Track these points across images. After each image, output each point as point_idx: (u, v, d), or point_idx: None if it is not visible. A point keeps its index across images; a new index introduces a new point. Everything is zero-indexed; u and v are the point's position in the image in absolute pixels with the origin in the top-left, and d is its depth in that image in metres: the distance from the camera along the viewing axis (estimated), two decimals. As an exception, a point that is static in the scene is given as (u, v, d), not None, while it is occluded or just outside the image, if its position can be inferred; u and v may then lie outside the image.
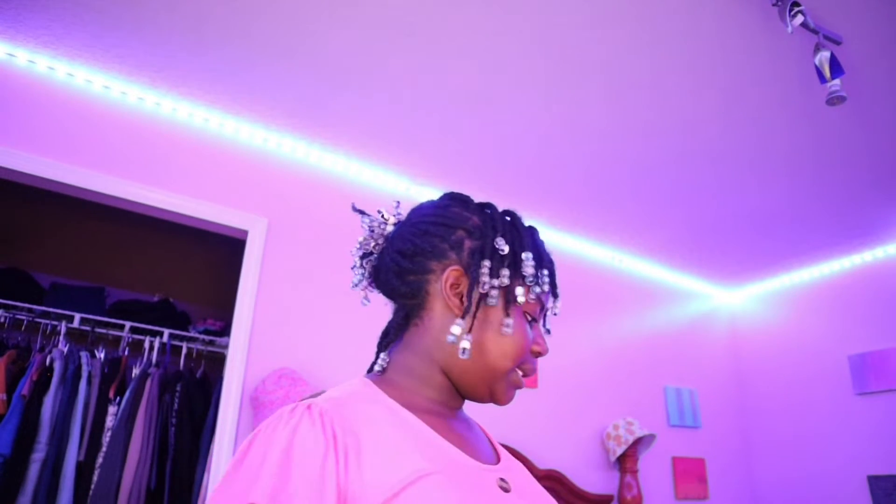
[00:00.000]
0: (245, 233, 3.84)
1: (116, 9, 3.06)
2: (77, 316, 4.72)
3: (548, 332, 1.30)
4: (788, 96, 3.54)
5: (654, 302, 5.85)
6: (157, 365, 4.66)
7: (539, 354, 1.24)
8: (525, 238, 1.24)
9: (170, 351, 4.88)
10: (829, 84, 2.87)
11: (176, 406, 4.52)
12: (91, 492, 3.99)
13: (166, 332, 4.94)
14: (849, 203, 4.65)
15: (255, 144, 4.02)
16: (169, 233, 5.09)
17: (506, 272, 1.17)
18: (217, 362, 4.93)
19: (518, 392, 1.25)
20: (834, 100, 2.86)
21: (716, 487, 5.53)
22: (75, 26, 3.19)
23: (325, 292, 3.98)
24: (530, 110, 3.71)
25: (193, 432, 4.51)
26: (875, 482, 4.99)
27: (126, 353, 4.71)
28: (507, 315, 1.17)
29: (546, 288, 1.22)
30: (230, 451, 3.45)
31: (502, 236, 1.21)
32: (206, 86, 3.61)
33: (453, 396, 1.22)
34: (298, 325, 3.86)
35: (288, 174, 4.10)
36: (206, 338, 5.14)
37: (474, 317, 1.16)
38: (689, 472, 5.39)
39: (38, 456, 3.88)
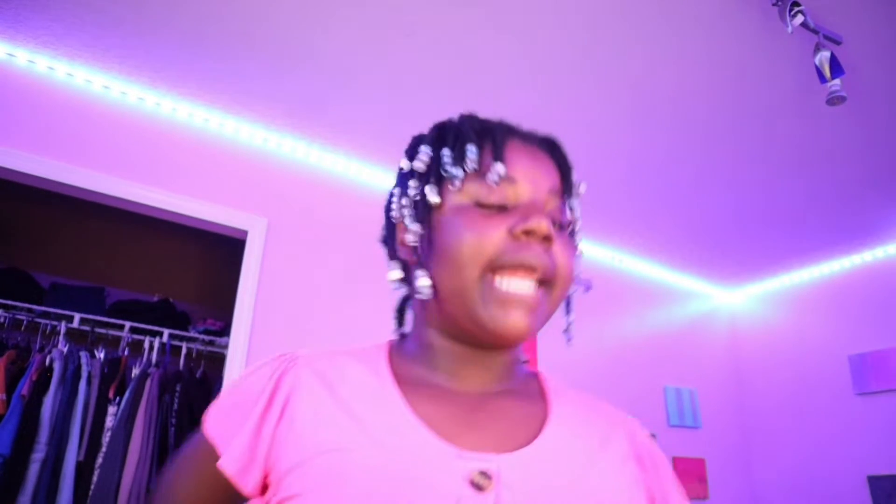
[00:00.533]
0: (245, 233, 3.84)
1: (116, 9, 3.06)
2: (77, 316, 4.72)
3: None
4: (788, 96, 3.54)
5: (654, 302, 5.85)
6: (156, 365, 4.66)
7: (530, 233, 0.91)
8: (428, 134, 1.09)
9: (170, 351, 4.88)
10: (829, 84, 2.87)
11: (176, 406, 4.52)
12: (91, 492, 3.98)
13: (166, 332, 4.94)
14: (849, 203, 4.65)
15: (255, 144, 4.02)
16: (169, 233, 5.09)
17: (413, 184, 1.02)
18: (217, 362, 4.93)
19: None
20: (834, 100, 2.86)
21: (716, 487, 5.53)
22: (75, 26, 3.19)
23: (324, 292, 3.98)
24: (529, 110, 3.70)
25: (193, 432, 4.49)
26: (875, 482, 4.99)
27: (126, 353, 4.71)
28: (425, 227, 0.98)
29: (470, 160, 0.97)
30: (230, 451, 3.44)
31: (406, 154, 1.10)
32: (206, 86, 3.61)
33: (461, 358, 1.00)
34: (298, 324, 3.85)
35: (288, 174, 4.10)
36: (206, 338, 5.14)
37: (414, 253, 1.01)
38: (689, 473, 5.38)
39: (37, 456, 3.87)
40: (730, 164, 4.20)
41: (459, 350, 1.00)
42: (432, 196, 0.98)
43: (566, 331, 1.08)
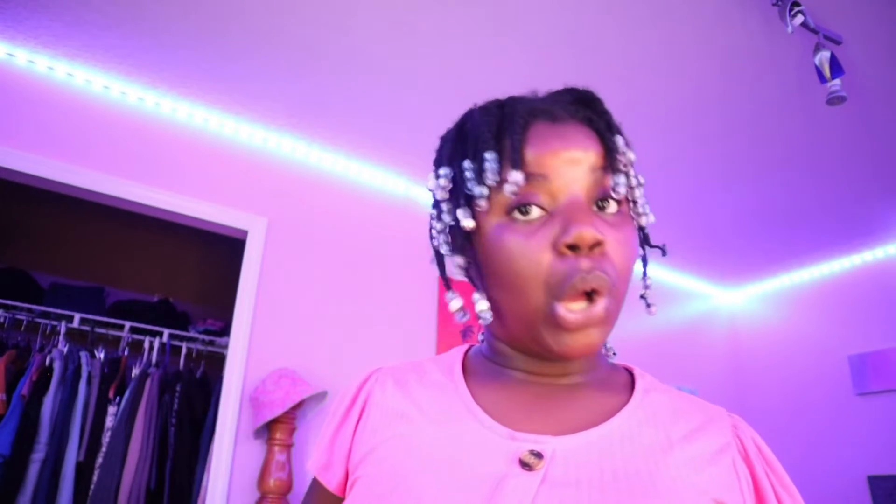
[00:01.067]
0: (245, 233, 3.84)
1: (116, 9, 3.06)
2: (77, 316, 4.72)
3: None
4: (788, 96, 3.54)
5: (654, 302, 5.84)
6: (156, 365, 4.66)
7: (574, 246, 0.83)
8: (448, 141, 1.00)
9: (170, 351, 4.89)
10: (829, 84, 2.87)
11: (176, 406, 4.52)
12: (91, 492, 3.99)
13: (166, 332, 4.94)
14: (849, 203, 4.65)
15: (254, 144, 4.02)
16: (169, 233, 5.09)
17: (445, 207, 0.95)
18: (217, 362, 4.93)
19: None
20: (834, 100, 2.86)
21: (716, 487, 5.53)
22: (75, 26, 3.19)
23: (325, 292, 3.98)
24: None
25: (193, 432, 4.50)
26: (875, 482, 4.98)
27: (126, 353, 4.71)
28: (469, 252, 0.95)
29: (488, 169, 0.87)
30: (230, 451, 3.45)
31: (433, 165, 1.01)
32: (206, 86, 3.61)
33: (535, 363, 0.95)
34: (298, 325, 3.85)
35: (288, 174, 4.10)
36: (206, 338, 5.14)
37: (468, 278, 1.00)
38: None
39: (37, 456, 3.88)
40: (729, 165, 4.20)
41: (530, 357, 0.95)
42: (466, 221, 0.90)
43: (643, 297, 1.05)
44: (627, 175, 0.93)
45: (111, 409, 4.29)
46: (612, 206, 0.89)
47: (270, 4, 3.02)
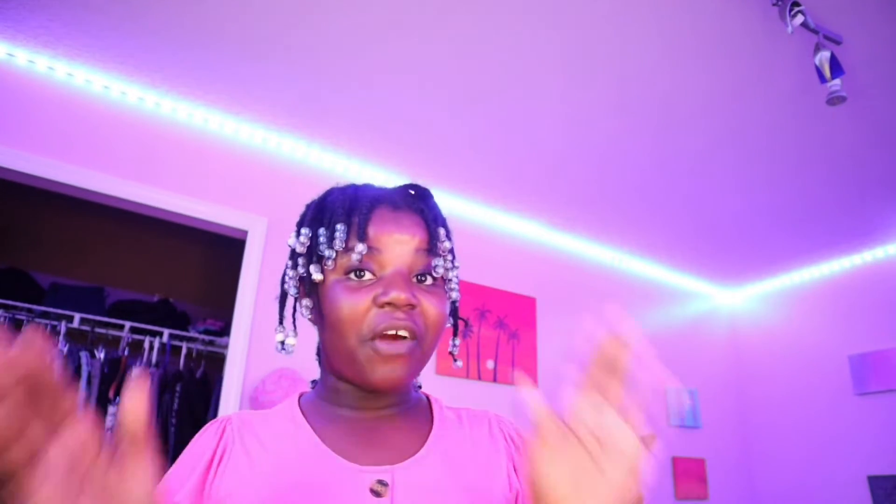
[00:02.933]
0: (245, 233, 3.84)
1: (116, 9, 3.06)
2: (77, 316, 4.72)
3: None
4: (788, 97, 3.54)
5: (654, 302, 5.85)
6: (156, 365, 4.67)
7: (389, 304, 1.04)
8: (309, 212, 1.24)
9: (170, 351, 4.89)
10: (829, 84, 2.87)
11: (176, 406, 4.52)
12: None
13: (166, 332, 4.94)
14: (849, 203, 4.65)
15: (254, 144, 4.02)
16: (169, 233, 5.09)
17: (301, 262, 1.15)
18: (217, 362, 4.92)
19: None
20: (834, 100, 2.86)
21: (716, 487, 5.53)
22: (75, 26, 3.19)
23: (324, 292, 3.97)
24: (532, 111, 3.71)
25: (193, 432, 4.48)
26: (875, 482, 4.99)
27: (126, 353, 4.71)
28: (313, 298, 1.15)
29: (338, 240, 1.09)
30: (230, 451, 3.45)
31: (296, 227, 1.24)
32: (205, 86, 3.61)
33: (360, 396, 1.13)
34: (298, 324, 3.84)
35: (288, 174, 4.10)
36: (206, 338, 5.14)
37: (293, 319, 1.27)
38: (689, 473, 5.39)
39: (37, 456, 3.87)
40: (729, 165, 4.20)
41: (357, 391, 1.13)
42: (316, 274, 1.10)
43: (451, 353, 1.24)
44: (444, 259, 1.15)
45: (111, 409, 4.28)
46: (429, 280, 1.12)
47: (271, 5, 3.02)
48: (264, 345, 3.70)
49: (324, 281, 1.11)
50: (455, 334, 1.28)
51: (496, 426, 1.19)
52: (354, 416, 1.13)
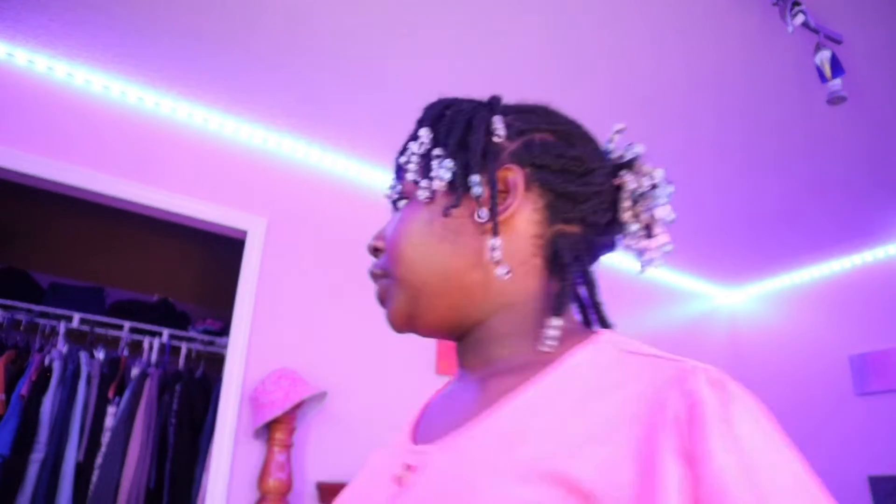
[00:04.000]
0: (244, 233, 3.84)
1: (116, 8, 3.06)
2: (76, 316, 4.72)
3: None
4: (789, 96, 3.53)
5: (654, 302, 5.84)
6: (156, 365, 4.67)
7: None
8: None
9: (169, 351, 4.89)
10: (829, 84, 2.87)
11: (175, 406, 4.52)
12: (90, 492, 3.99)
13: (166, 332, 4.94)
14: (849, 203, 4.64)
15: (254, 144, 4.01)
16: (168, 233, 5.09)
17: None
18: (216, 362, 4.92)
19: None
20: (835, 99, 2.85)
21: (716, 488, 5.53)
22: (75, 26, 3.18)
23: (324, 292, 3.98)
24: (530, 110, 3.71)
25: (193, 432, 4.50)
26: (876, 483, 4.98)
27: (125, 353, 4.72)
28: None
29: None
30: (230, 451, 3.46)
31: None
32: (205, 86, 3.61)
33: (460, 355, 0.97)
34: (298, 325, 3.85)
35: (288, 174, 4.10)
36: (206, 338, 5.14)
37: None
38: (689, 473, 5.38)
39: (37, 456, 3.88)
40: (730, 165, 4.20)
41: (455, 346, 0.99)
42: None
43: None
44: (404, 171, 0.99)
45: (111, 409, 4.29)
46: (402, 203, 1.01)
47: (272, 4, 3.02)
48: (264, 345, 3.71)
49: None
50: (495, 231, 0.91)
51: (664, 393, 0.69)
52: (461, 377, 0.96)
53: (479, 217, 0.89)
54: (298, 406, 3.54)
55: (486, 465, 0.72)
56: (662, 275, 5.93)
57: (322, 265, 4.02)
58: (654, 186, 1.00)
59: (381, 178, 4.35)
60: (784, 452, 0.67)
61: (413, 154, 0.98)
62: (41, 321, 4.59)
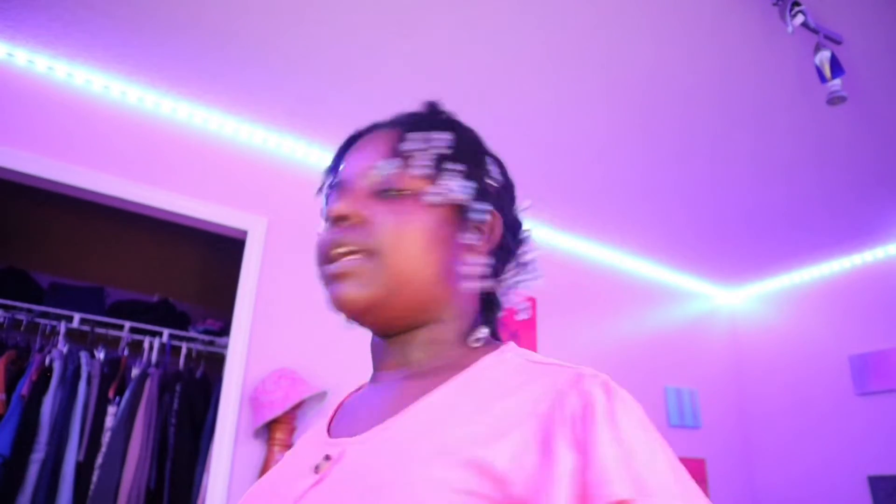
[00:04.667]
0: (245, 233, 3.84)
1: (116, 9, 3.06)
2: (76, 316, 4.71)
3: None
4: (788, 96, 3.54)
5: (654, 302, 5.85)
6: (156, 365, 4.66)
7: (329, 220, 0.98)
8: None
9: (169, 351, 4.89)
10: (829, 84, 2.87)
11: (176, 406, 4.52)
12: (90, 492, 3.99)
13: (166, 332, 4.94)
14: (849, 203, 4.65)
15: (254, 144, 4.02)
16: (168, 232, 5.08)
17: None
18: (217, 362, 4.91)
19: None
20: (834, 100, 2.86)
21: (716, 488, 5.53)
22: (75, 26, 3.18)
23: (324, 292, 3.97)
24: (531, 110, 3.71)
25: (193, 432, 4.50)
26: (876, 483, 4.98)
27: (125, 353, 4.71)
28: None
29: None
30: (230, 451, 3.46)
31: None
32: (205, 86, 3.61)
33: (380, 353, 1.04)
34: (298, 325, 3.85)
35: (288, 174, 4.10)
36: (206, 338, 5.13)
37: None
38: (689, 473, 5.38)
39: (37, 456, 3.88)
40: (729, 164, 4.20)
41: (377, 342, 1.06)
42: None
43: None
44: (407, 161, 1.01)
45: (111, 409, 4.29)
46: (393, 193, 0.99)
47: (272, 5, 3.02)
48: (264, 345, 3.71)
49: None
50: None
51: (558, 396, 0.79)
52: (377, 380, 1.03)
53: (467, 238, 1.02)
54: (298, 406, 3.54)
55: (404, 453, 0.80)
56: (662, 274, 5.93)
57: (322, 265, 4.02)
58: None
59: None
60: (658, 443, 0.77)
61: (429, 151, 1.02)
62: (41, 321, 4.59)
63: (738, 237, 5.26)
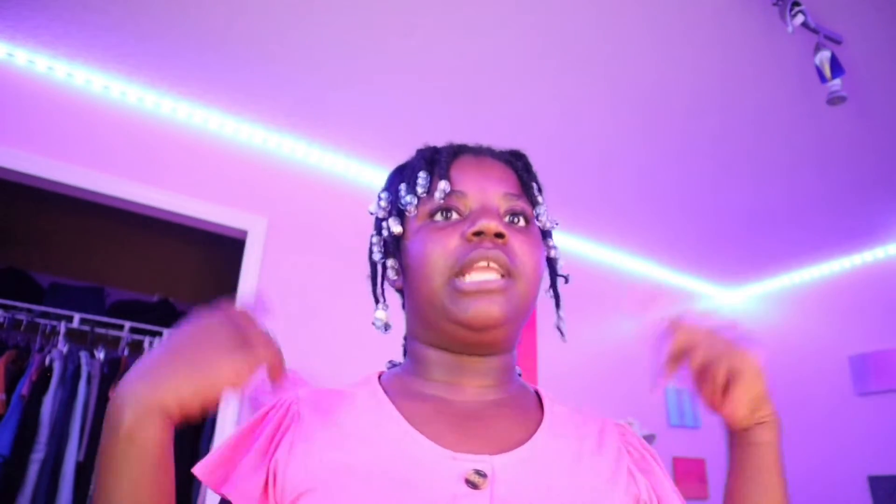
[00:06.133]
0: (245, 233, 3.84)
1: (116, 9, 3.06)
2: (76, 316, 4.71)
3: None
4: (789, 96, 3.54)
5: (654, 302, 5.84)
6: (156, 365, 4.66)
7: (480, 233, 0.98)
8: (389, 177, 1.21)
9: (170, 351, 4.87)
10: (829, 84, 2.87)
11: (175, 406, 4.52)
12: (90, 492, 3.99)
13: (166, 332, 4.92)
14: (849, 203, 4.65)
15: (255, 144, 4.02)
16: (168, 232, 5.08)
17: (383, 225, 1.12)
18: (216, 362, 4.91)
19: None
20: (834, 100, 2.86)
21: (716, 488, 5.52)
22: (75, 26, 3.18)
23: (325, 292, 3.98)
24: (530, 110, 3.71)
25: (194, 432, 4.50)
26: (876, 482, 4.99)
27: (126, 353, 4.71)
28: (398, 257, 1.11)
29: (420, 185, 1.06)
30: (230, 451, 3.45)
31: (377, 199, 1.17)
32: (205, 86, 3.61)
33: (453, 367, 1.05)
34: (299, 325, 3.85)
35: (288, 174, 4.10)
36: (206, 338, 5.12)
37: (382, 286, 1.20)
38: (689, 473, 5.38)
39: (37, 456, 3.88)
40: (730, 165, 4.20)
41: (450, 359, 1.05)
42: (395, 227, 1.07)
43: (557, 326, 1.19)
44: (542, 207, 1.12)
45: (111, 409, 4.28)
46: (521, 222, 1.07)
47: (272, 5, 3.02)
48: (264, 345, 3.70)
49: (406, 232, 1.07)
50: (557, 305, 1.23)
51: (613, 432, 1.08)
52: (447, 394, 1.04)
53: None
54: (298, 406, 3.53)
55: (566, 474, 0.95)
56: (662, 275, 5.94)
57: (322, 264, 4.02)
58: None
59: (381, 179, 4.33)
60: None
61: (535, 187, 1.14)
62: (41, 321, 4.59)
63: (738, 237, 5.26)
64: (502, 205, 1.05)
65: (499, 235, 0.98)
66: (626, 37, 3.17)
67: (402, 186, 1.09)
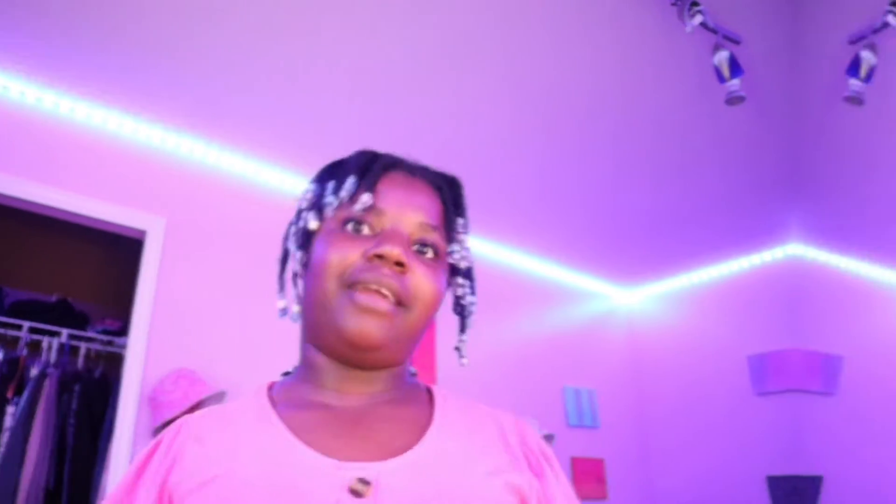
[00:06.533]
0: (143, 233, 3.84)
1: (13, 9, 3.04)
2: (-27, 316, 4.64)
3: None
4: (688, 96, 3.60)
5: (552, 302, 5.88)
6: (55, 365, 4.65)
7: (381, 256, 0.98)
8: (322, 170, 1.20)
9: (68, 351, 4.88)
10: (728, 84, 2.93)
11: (74, 406, 4.53)
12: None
13: (65, 332, 4.92)
14: (748, 203, 4.73)
15: (153, 144, 4.01)
16: (68, 232, 5.03)
17: (300, 216, 1.14)
18: (116, 362, 4.84)
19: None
20: (733, 99, 2.92)
21: (615, 488, 5.58)
22: (-32, 25, 3.14)
23: (224, 292, 4.00)
24: (431, 109, 3.76)
25: (92, 433, 4.49)
26: (774, 483, 5.07)
27: (24, 352, 4.68)
28: (307, 251, 1.10)
29: (345, 190, 1.06)
30: (128, 451, 3.46)
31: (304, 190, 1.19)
32: (104, 86, 3.61)
33: (342, 375, 1.05)
34: (197, 324, 3.86)
35: (187, 174, 4.10)
36: (105, 338, 5.12)
37: (293, 281, 1.16)
38: (587, 473, 5.42)
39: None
40: (628, 165, 4.27)
41: (337, 367, 1.05)
42: (311, 222, 1.08)
43: (457, 349, 1.22)
44: (460, 245, 1.14)
45: (9, 409, 4.27)
46: (430, 253, 1.07)
47: (169, 5, 3.03)
48: (163, 345, 3.71)
49: (318, 231, 1.07)
50: (462, 329, 1.25)
51: (512, 430, 1.08)
52: (336, 401, 1.04)
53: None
54: (197, 406, 3.52)
55: (454, 476, 0.94)
56: (560, 274, 6.00)
57: (222, 264, 4.04)
58: None
59: (279, 179, 4.37)
60: None
61: (458, 221, 1.17)
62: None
63: (636, 237, 5.34)
64: (416, 233, 1.05)
65: (399, 264, 0.99)
66: (524, 37, 3.22)
67: (330, 185, 1.09)
